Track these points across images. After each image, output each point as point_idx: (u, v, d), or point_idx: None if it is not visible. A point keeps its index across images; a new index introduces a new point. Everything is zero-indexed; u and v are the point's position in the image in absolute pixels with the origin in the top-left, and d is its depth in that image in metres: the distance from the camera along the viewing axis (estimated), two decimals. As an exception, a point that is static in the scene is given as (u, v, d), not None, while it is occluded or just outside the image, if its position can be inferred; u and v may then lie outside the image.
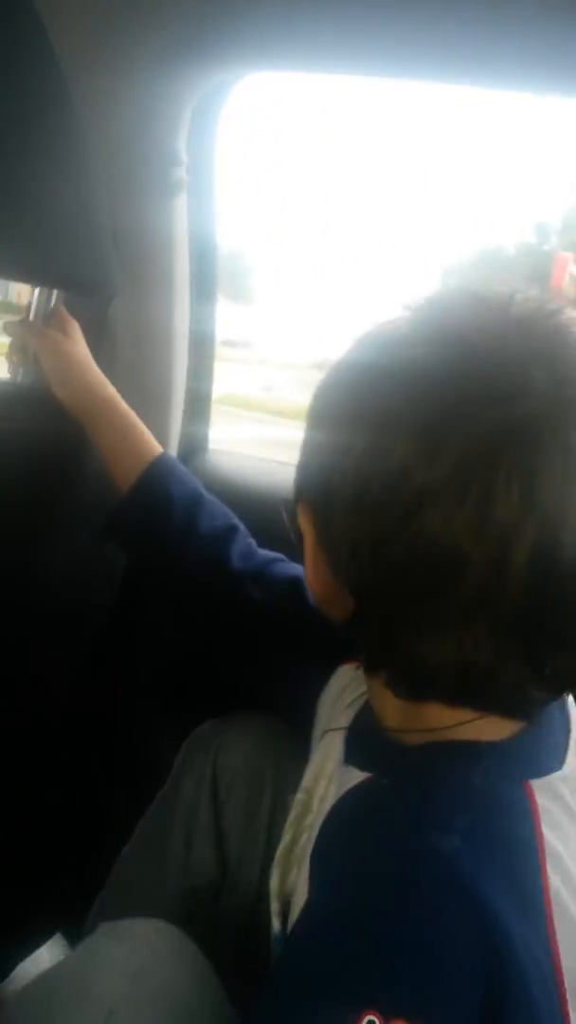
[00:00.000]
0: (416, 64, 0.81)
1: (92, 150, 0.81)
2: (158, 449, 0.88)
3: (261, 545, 0.86)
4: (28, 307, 0.95)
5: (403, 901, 0.41)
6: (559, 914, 0.42)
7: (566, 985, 0.40)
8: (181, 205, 1.02)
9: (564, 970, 0.40)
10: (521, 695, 0.47)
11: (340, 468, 0.47)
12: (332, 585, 0.52)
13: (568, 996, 0.39)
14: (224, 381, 1.24)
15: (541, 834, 0.45)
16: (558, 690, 0.49)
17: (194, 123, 0.98)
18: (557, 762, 0.51)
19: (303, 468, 0.54)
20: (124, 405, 0.90)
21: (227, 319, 1.24)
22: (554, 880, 0.43)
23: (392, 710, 0.55)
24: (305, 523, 0.54)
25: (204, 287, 1.12)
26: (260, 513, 0.76)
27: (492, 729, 0.50)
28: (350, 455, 0.46)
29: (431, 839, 0.43)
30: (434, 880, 0.41)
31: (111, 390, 0.90)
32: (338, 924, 0.42)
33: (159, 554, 0.85)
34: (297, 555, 0.58)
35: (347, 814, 0.54)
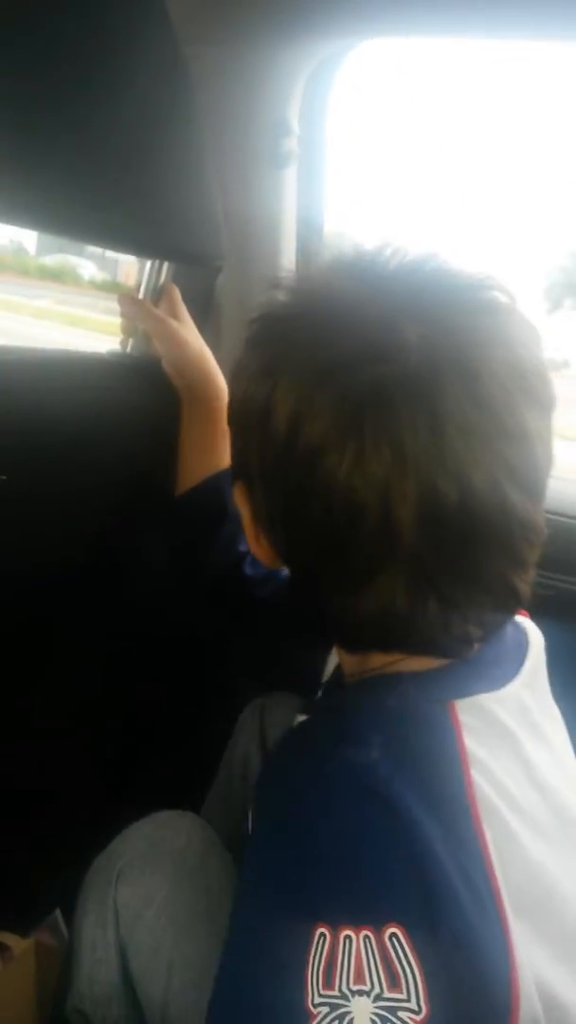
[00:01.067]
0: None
1: (205, 120, 0.81)
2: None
3: None
4: (138, 286, 0.95)
5: (328, 815, 0.44)
6: (487, 813, 0.44)
7: (499, 880, 0.42)
8: (290, 178, 1.00)
9: (495, 865, 0.42)
10: (448, 633, 0.49)
11: (251, 441, 0.51)
12: (272, 557, 0.56)
13: (503, 889, 0.42)
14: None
15: (463, 745, 0.47)
16: (483, 624, 0.51)
17: (306, 93, 0.97)
18: (491, 685, 0.53)
19: (232, 448, 0.58)
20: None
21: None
22: (479, 783, 0.45)
23: (347, 663, 0.60)
24: (239, 500, 0.58)
25: (310, 266, 1.11)
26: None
27: (422, 663, 0.53)
28: (256, 428, 0.50)
29: (347, 754, 0.46)
30: (354, 791, 0.44)
31: (220, 381, 0.90)
32: (276, 848, 0.46)
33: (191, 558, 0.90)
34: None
35: (281, 745, 0.58)
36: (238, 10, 0.82)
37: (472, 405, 0.44)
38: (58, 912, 0.94)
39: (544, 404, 0.48)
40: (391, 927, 0.39)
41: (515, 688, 0.54)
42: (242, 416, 0.52)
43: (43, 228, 0.72)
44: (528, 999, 0.41)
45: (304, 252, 1.08)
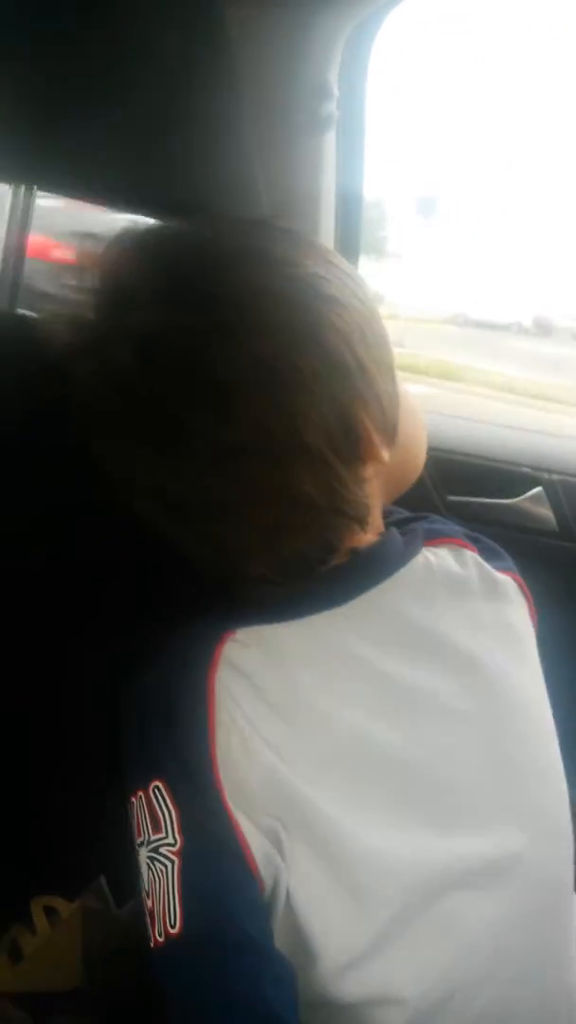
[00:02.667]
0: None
1: (243, 82, 0.79)
2: None
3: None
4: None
5: (130, 720, 0.55)
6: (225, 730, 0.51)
7: (222, 779, 0.50)
8: (330, 143, 0.98)
9: (221, 769, 0.50)
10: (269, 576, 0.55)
11: None
12: None
13: (223, 776, 0.50)
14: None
15: (214, 679, 0.53)
16: (288, 572, 0.56)
17: (345, 56, 0.94)
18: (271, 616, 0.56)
19: None
20: None
21: (360, 272, 1.20)
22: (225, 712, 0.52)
23: None
24: None
25: (348, 237, 1.09)
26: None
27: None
28: None
29: (145, 675, 0.55)
30: (153, 700, 0.54)
31: None
32: (128, 725, 0.55)
33: None
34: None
35: None
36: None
37: None
38: (103, 878, 0.96)
39: None
40: (155, 781, 0.50)
41: (363, 603, 0.57)
42: None
43: (78, 194, 0.72)
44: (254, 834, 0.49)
45: (343, 220, 1.06)
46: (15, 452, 0.62)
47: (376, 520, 0.61)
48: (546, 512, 1.11)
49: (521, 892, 0.57)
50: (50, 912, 0.84)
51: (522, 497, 1.12)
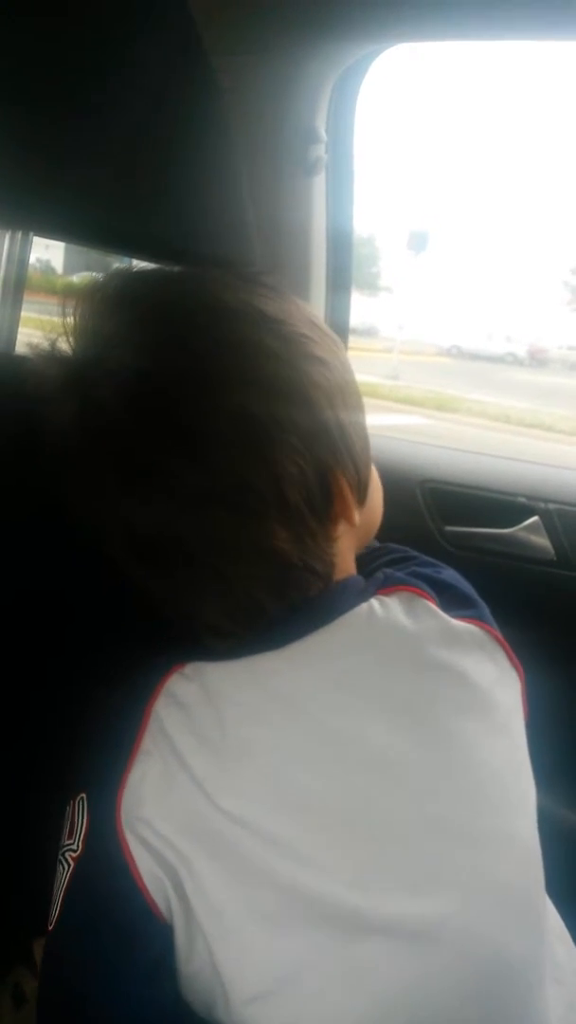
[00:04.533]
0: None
1: (234, 129, 0.81)
2: None
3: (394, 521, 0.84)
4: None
5: (91, 725, 0.57)
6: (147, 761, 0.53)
7: (123, 803, 0.52)
8: (320, 185, 1.01)
9: (126, 794, 0.52)
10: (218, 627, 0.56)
11: None
12: None
13: (123, 806, 0.52)
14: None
15: (151, 709, 0.55)
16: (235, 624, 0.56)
17: (333, 100, 0.97)
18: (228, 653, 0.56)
19: None
20: None
21: (353, 307, 1.22)
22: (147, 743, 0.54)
23: None
24: None
25: (339, 274, 1.11)
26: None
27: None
28: None
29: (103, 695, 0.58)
30: (99, 719, 0.57)
31: None
32: (81, 737, 0.57)
33: None
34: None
35: None
36: (264, 20, 0.83)
37: None
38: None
39: None
40: (81, 792, 0.54)
41: (300, 647, 0.56)
42: None
43: (74, 240, 0.73)
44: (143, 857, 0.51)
45: (334, 258, 1.08)
46: None
47: (346, 565, 0.62)
48: (543, 541, 1.11)
49: (452, 961, 0.53)
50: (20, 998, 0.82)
51: (519, 527, 1.12)
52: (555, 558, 1.11)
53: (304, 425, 0.52)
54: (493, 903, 0.56)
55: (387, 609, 0.59)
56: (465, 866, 0.55)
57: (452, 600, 0.64)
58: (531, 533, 1.11)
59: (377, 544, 0.71)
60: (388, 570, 0.64)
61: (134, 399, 0.51)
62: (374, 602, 0.60)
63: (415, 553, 0.70)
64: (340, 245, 1.08)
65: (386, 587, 0.61)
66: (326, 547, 0.56)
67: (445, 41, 0.91)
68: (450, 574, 0.68)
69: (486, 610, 0.66)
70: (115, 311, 0.54)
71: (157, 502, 0.52)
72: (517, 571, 0.67)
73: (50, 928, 0.52)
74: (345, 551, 0.61)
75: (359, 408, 0.60)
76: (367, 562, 0.67)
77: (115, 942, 0.51)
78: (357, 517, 0.58)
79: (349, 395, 0.57)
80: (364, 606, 0.59)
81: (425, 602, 0.61)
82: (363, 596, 0.60)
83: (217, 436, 0.50)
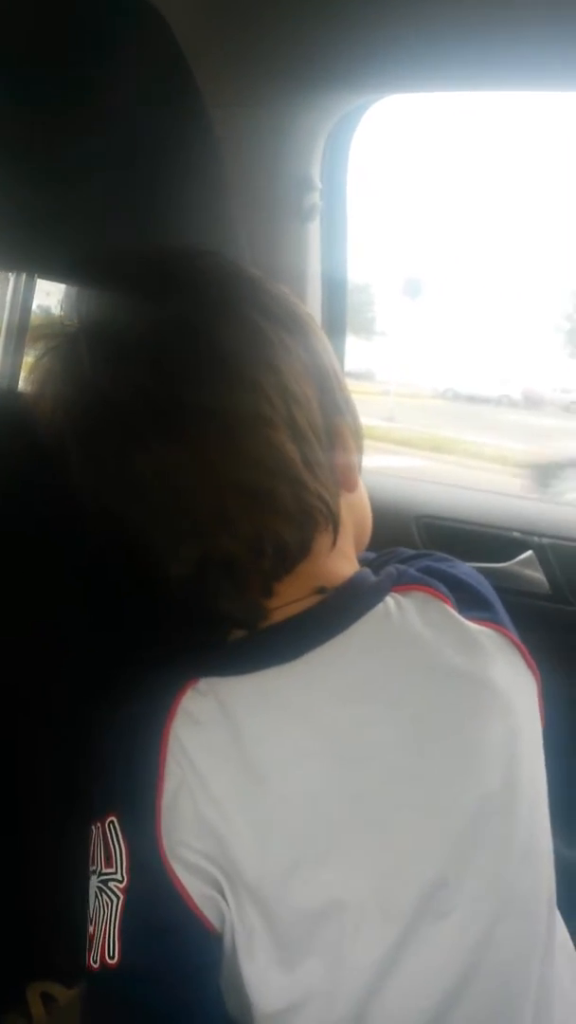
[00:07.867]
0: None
1: (231, 178, 0.84)
2: None
3: None
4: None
5: (109, 742, 0.56)
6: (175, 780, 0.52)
7: (162, 828, 0.51)
8: (314, 232, 1.04)
9: (164, 819, 0.51)
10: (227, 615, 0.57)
11: None
12: None
13: (164, 826, 0.51)
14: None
15: (170, 727, 0.53)
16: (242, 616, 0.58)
17: (327, 149, 1.01)
18: (224, 668, 0.56)
19: None
20: None
21: (350, 350, 1.25)
22: (171, 765, 0.53)
23: None
24: None
25: (335, 317, 1.14)
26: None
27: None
28: None
29: (105, 714, 0.57)
30: (119, 736, 0.56)
31: None
32: (96, 755, 0.57)
33: None
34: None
35: None
36: (260, 72, 0.86)
37: None
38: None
39: None
40: (111, 816, 0.52)
41: (315, 657, 0.56)
42: None
43: (76, 282, 0.76)
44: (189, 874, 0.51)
45: (329, 302, 1.11)
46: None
47: (349, 551, 0.63)
48: (538, 575, 1.12)
49: (476, 975, 0.55)
50: (48, 999, 0.81)
51: (513, 561, 1.13)
52: (550, 592, 1.11)
53: (309, 359, 0.58)
54: (516, 915, 0.57)
55: (403, 613, 0.59)
56: (490, 876, 0.56)
57: (467, 600, 0.63)
58: (526, 567, 1.12)
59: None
60: (401, 566, 0.63)
61: (148, 343, 0.54)
62: (390, 603, 0.59)
63: (427, 551, 0.70)
64: (335, 290, 1.11)
65: (400, 584, 0.61)
66: (332, 486, 0.58)
67: (438, 92, 0.95)
68: (465, 569, 0.67)
69: (502, 611, 0.65)
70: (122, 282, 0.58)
71: (178, 435, 0.53)
72: (512, 605, 0.67)
73: (95, 965, 0.50)
74: (347, 528, 0.62)
75: (355, 413, 0.64)
76: (378, 564, 0.66)
77: (183, 976, 0.50)
78: (352, 492, 0.61)
79: (342, 376, 0.63)
80: (379, 609, 0.58)
81: (441, 604, 0.60)
82: (377, 595, 0.59)
83: (233, 345, 0.54)
